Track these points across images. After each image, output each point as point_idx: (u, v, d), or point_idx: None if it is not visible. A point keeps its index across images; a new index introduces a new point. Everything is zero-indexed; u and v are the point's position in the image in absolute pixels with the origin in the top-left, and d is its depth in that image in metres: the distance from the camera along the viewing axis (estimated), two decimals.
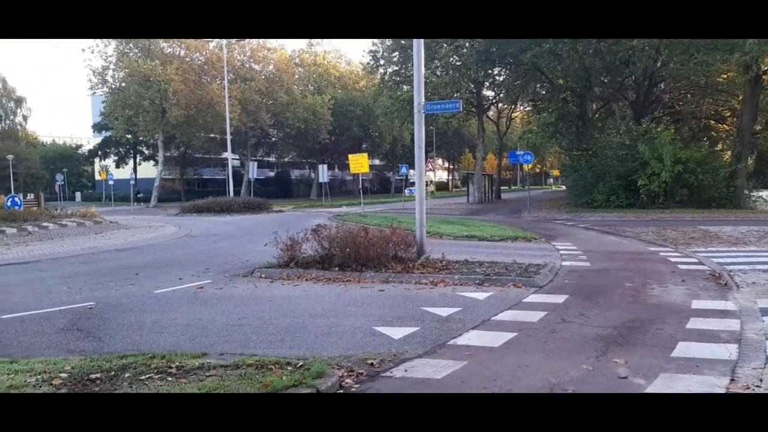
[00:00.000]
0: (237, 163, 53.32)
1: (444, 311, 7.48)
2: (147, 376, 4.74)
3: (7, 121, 60.99)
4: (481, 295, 8.54)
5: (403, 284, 9.51)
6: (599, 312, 7.44)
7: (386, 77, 43.13)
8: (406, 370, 5.16)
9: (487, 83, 43.08)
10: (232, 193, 38.25)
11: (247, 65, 48.69)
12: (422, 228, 11.38)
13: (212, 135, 50.26)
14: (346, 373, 5.03)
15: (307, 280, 10.05)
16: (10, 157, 46.97)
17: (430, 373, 5.06)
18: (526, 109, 51.60)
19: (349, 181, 68.21)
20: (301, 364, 5.03)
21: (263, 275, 10.58)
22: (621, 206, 28.30)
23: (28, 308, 8.01)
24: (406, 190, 40.42)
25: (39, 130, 79.01)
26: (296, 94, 50.07)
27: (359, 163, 30.23)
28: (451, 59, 36.04)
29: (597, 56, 29.34)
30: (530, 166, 37.76)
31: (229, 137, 38.14)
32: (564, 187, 54.15)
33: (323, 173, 43.54)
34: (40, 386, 4.49)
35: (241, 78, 45.97)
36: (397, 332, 6.48)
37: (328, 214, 29.42)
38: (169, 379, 4.68)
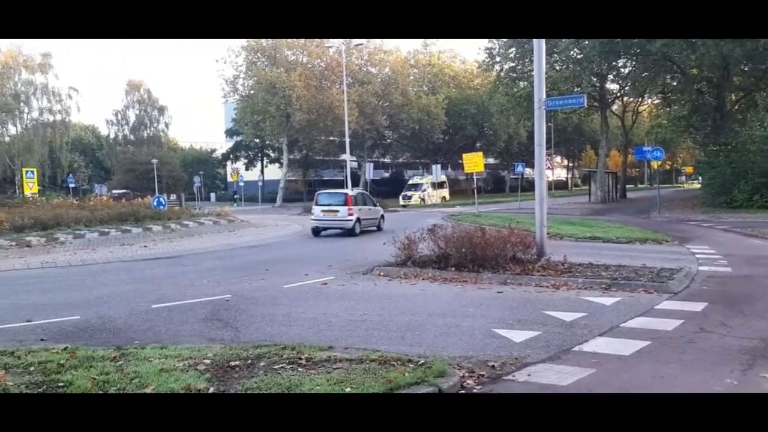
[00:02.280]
0: (354, 164, 55.00)
1: (567, 316, 7.22)
2: (280, 365, 5.05)
3: (152, 128, 67.41)
4: (607, 300, 8.13)
5: (523, 286, 9.30)
6: (743, 322, 6.80)
7: (502, 74, 42.27)
8: (529, 375, 5.06)
9: (611, 76, 40.83)
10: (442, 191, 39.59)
11: (365, 69, 50.00)
12: (543, 228, 11.05)
13: (332, 138, 52.25)
14: (467, 374, 5.03)
15: (423, 279, 10.16)
16: (154, 161, 52.05)
17: (554, 379, 4.92)
18: (655, 102, 48.11)
19: (462, 180, 67.66)
20: (422, 362, 5.11)
21: (382, 273, 10.84)
22: (766, 206, 25.52)
23: (173, 299, 8.84)
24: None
25: (179, 136, 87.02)
26: (411, 95, 50.62)
27: (474, 162, 29.91)
28: (572, 52, 34.56)
29: (737, 43, 26.70)
30: (659, 162, 35.15)
31: (347, 139, 39.44)
32: (698, 185, 49.75)
33: (437, 173, 43.64)
34: (187, 371, 4.95)
35: (358, 82, 47.32)
36: (517, 335, 6.36)
37: (442, 214, 29.42)
38: (300, 369, 4.96)
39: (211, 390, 4.42)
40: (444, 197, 50.69)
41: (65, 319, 7.61)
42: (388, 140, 60.41)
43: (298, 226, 23.99)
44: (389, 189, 57.91)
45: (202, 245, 17.45)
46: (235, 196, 52.61)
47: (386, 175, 68.31)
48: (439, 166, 45.13)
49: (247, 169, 60.94)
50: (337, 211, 19.25)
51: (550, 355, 5.64)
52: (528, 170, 52.66)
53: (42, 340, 6.45)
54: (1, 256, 15.16)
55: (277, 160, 57.61)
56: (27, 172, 28.87)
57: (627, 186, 55.12)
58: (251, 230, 22.45)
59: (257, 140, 53.76)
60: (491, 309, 7.76)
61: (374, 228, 21.00)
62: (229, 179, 62.48)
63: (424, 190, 47.94)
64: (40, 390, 4.50)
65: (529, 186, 50.69)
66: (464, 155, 31.42)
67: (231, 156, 64.02)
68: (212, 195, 65.04)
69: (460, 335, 6.45)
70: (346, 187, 39.04)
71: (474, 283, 9.67)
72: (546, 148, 11.44)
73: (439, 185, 50.33)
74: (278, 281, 10.34)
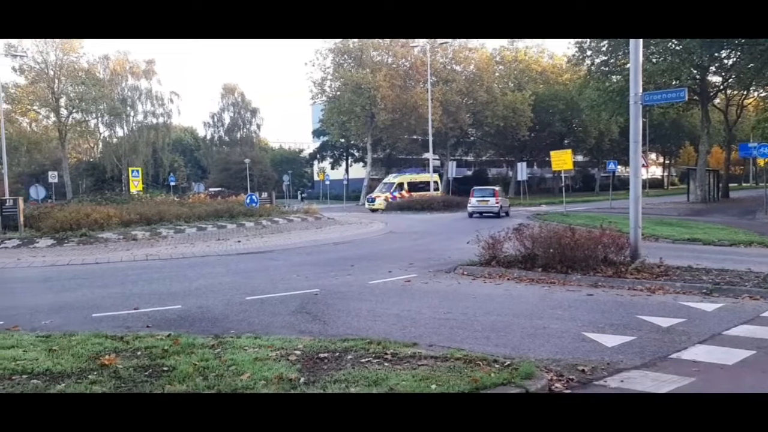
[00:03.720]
0: (437, 162, 54.82)
1: (664, 321, 6.86)
2: (366, 359, 5.16)
3: (244, 130, 70.62)
4: (708, 306, 7.64)
5: (615, 289, 8.92)
6: None
7: (593, 68, 40.63)
8: (622, 381, 4.87)
9: (713, 68, 38.11)
10: (432, 192, 39.43)
11: (449, 67, 49.70)
12: (637, 229, 10.54)
13: (415, 137, 52.39)
14: (555, 378, 4.91)
15: (508, 279, 9.99)
16: (247, 160, 54.54)
17: (649, 386, 4.70)
18: (761, 95, 44.37)
19: (548, 178, 65.75)
20: (508, 363, 5.04)
21: (465, 272, 10.77)
22: None
23: (265, 291, 9.25)
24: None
25: (269, 137, 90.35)
26: (496, 92, 49.75)
27: (562, 160, 28.99)
28: (669, 44, 32.60)
29: None
30: (766, 160, 32.43)
31: (430, 138, 39.42)
32: None
33: (522, 171, 42.61)
34: (279, 360, 5.17)
35: (442, 80, 47.12)
36: (609, 340, 6.12)
37: (527, 213, 28.72)
38: (386, 364, 5.04)
39: (302, 380, 4.60)
40: None
41: (168, 308, 8.17)
42: (472, 138, 59.72)
43: (381, 224, 24.28)
44: (471, 187, 57.28)
45: (291, 241, 18.08)
46: (303, 195, 54.16)
47: (469, 173, 67.49)
48: (524, 163, 44.08)
49: (332, 168, 62.44)
50: (488, 200, 27.90)
51: (645, 362, 5.39)
52: (620, 168, 50.24)
53: (147, 327, 6.96)
54: (111, 248, 16.46)
55: (362, 159, 58.55)
56: (133, 171, 31.16)
57: (730, 185, 51.33)
58: (336, 227, 22.98)
59: (342, 140, 54.92)
60: (581, 312, 7.51)
61: (505, 214, 27.81)
62: (316, 178, 64.28)
63: (396, 191, 38.59)
64: (147, 373, 4.86)
65: (620, 184, 48.44)
66: (552, 153, 30.55)
67: (318, 155, 65.83)
68: (299, 193, 67.15)
69: (547, 338, 6.30)
70: (429, 186, 39.20)
71: (562, 284, 9.40)
72: (641, 144, 10.89)
73: (421, 185, 40.16)
74: (363, 277, 10.54)
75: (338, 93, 47.88)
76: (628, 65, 16.66)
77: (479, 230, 12.04)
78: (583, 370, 5.10)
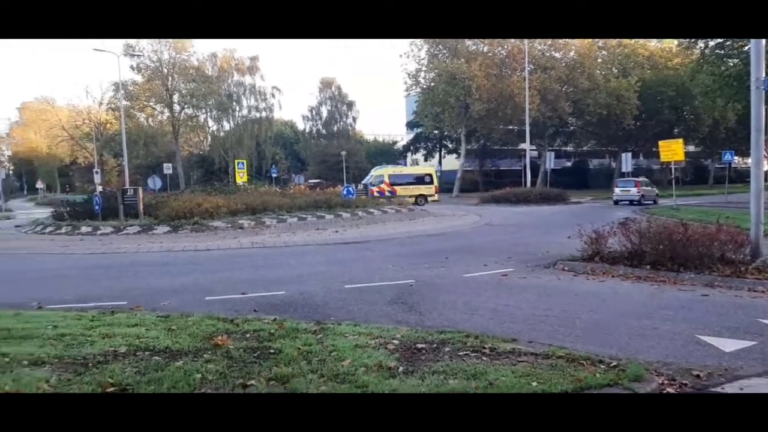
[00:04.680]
0: (534, 153, 53.23)
1: None
2: (464, 352, 5.15)
3: (341, 123, 72.28)
4: None
5: (733, 290, 8.27)
6: None
7: (707, 51, 37.57)
8: (741, 388, 4.52)
9: None
10: (528, 184, 38.37)
11: (548, 54, 47.95)
12: (759, 226, 9.69)
13: (510, 127, 51.14)
14: (666, 381, 4.65)
15: (613, 276, 9.54)
16: (343, 153, 55.80)
17: None
18: None
19: (656, 170, 61.67)
20: (614, 364, 4.84)
21: (566, 267, 10.41)
22: None
23: (363, 281, 9.46)
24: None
25: (364, 129, 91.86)
26: (599, 79, 47.39)
27: (671, 150, 27.16)
28: None
29: None
30: None
31: (527, 128, 38.31)
32: None
33: (626, 162, 40.26)
34: (378, 349, 5.27)
35: (540, 68, 45.58)
36: (727, 344, 5.69)
37: (633, 207, 27.21)
38: (484, 358, 5.01)
39: (401, 369, 4.67)
40: (421, 196, 35.16)
41: (273, 293, 8.58)
42: (572, 128, 57.32)
43: (475, 217, 24.00)
44: (571, 179, 55.07)
45: (386, 232, 18.33)
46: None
47: (568, 164, 65.00)
48: (629, 154, 41.65)
49: (426, 159, 62.44)
50: (629, 190, 31.61)
51: (767, 369, 4.96)
52: (737, 159, 46.26)
53: (255, 311, 7.35)
54: (220, 236, 17.52)
55: (455, 150, 58.06)
56: (238, 163, 32.83)
57: None
58: (430, 219, 23.00)
59: (436, 131, 54.70)
60: (694, 313, 7.04)
61: (651, 202, 31.26)
62: None
63: (374, 185, 34.61)
64: (255, 355, 5.13)
65: (737, 177, 44.65)
66: (660, 142, 28.70)
67: (411, 147, 66.09)
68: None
69: (657, 339, 5.96)
70: (526, 177, 38.18)
71: (673, 283, 8.84)
72: (764, 133, 9.97)
73: (417, 180, 36.59)
74: (458, 270, 10.49)
75: (432, 84, 47.67)
76: (747, 47, 15.24)
77: (581, 224, 11.58)
78: (698, 375, 4.79)
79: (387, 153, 74.06)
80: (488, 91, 43.91)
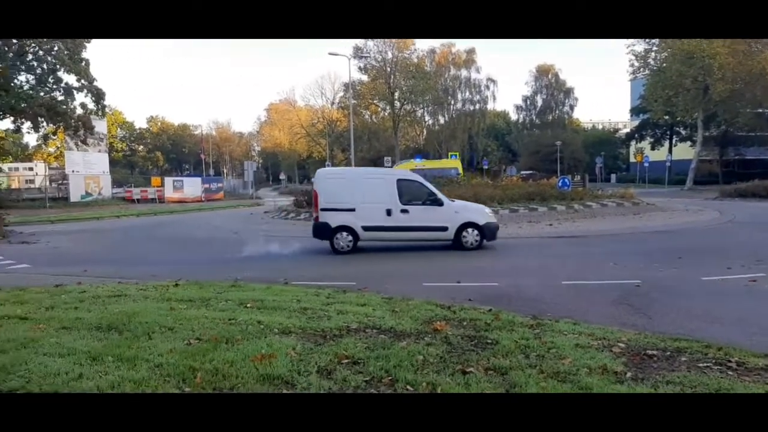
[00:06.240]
0: None
1: None
2: (704, 364, 4.61)
3: (557, 111, 69.41)
4: None
5: None
6: None
7: None
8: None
9: None
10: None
11: None
12: None
13: (760, 110, 43.78)
14: None
15: None
16: (558, 143, 53.57)
17: None
18: None
19: None
20: None
21: None
22: None
23: (580, 278, 9.02)
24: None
25: (581, 117, 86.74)
26: None
27: None
28: None
29: None
30: None
31: None
32: None
33: None
34: (602, 351, 4.97)
35: None
36: None
37: None
38: (730, 373, 4.41)
39: (628, 375, 4.36)
40: None
41: (486, 284, 8.67)
42: None
43: (714, 213, 21.17)
44: None
45: (605, 227, 17.17)
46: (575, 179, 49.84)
47: None
48: None
49: (652, 148, 56.73)
50: None
51: None
52: None
53: (469, 300, 7.49)
54: None
55: (689, 138, 51.75)
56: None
57: None
58: (658, 214, 20.90)
59: (666, 117, 49.33)
60: None
61: None
62: (632, 159, 59.43)
63: None
64: (473, 343, 5.23)
65: None
66: None
67: (635, 135, 60.65)
68: (612, 176, 63.13)
69: None
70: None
71: None
72: None
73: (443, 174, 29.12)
74: (694, 272, 9.37)
75: (664, 65, 43.09)
76: None
77: None
78: None
79: (607, 142, 69.22)
80: (733, 70, 38.22)
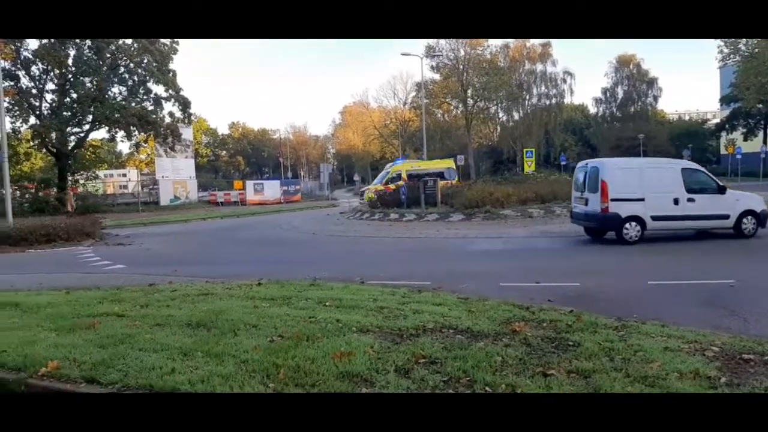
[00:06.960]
0: None
1: None
2: None
3: (639, 103, 66.19)
4: None
5: None
6: None
7: None
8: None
9: None
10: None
11: None
12: None
13: None
14: None
15: None
16: (641, 136, 51.11)
17: None
18: None
19: None
20: None
21: None
22: None
23: (666, 278, 8.58)
24: None
25: (666, 108, 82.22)
26: None
27: None
28: None
29: None
30: None
31: None
32: None
33: None
34: (693, 354, 4.72)
35: None
36: None
37: None
38: None
39: (723, 380, 4.11)
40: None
41: (566, 284, 8.41)
42: None
43: None
44: None
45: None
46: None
47: None
48: None
49: (745, 139, 52.85)
50: None
51: None
52: None
53: (549, 300, 7.29)
54: (510, 224, 17.87)
55: None
56: (527, 151, 32.90)
57: None
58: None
59: (759, 105, 45.83)
60: None
61: None
62: (723, 152, 55.69)
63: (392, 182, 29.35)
64: (554, 345, 5.10)
65: None
66: None
67: (726, 126, 56.73)
68: None
69: None
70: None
71: None
72: None
73: (439, 175, 27.15)
74: None
75: (756, 51, 40.12)
76: None
77: None
78: None
79: (695, 134, 65.17)
80: None
